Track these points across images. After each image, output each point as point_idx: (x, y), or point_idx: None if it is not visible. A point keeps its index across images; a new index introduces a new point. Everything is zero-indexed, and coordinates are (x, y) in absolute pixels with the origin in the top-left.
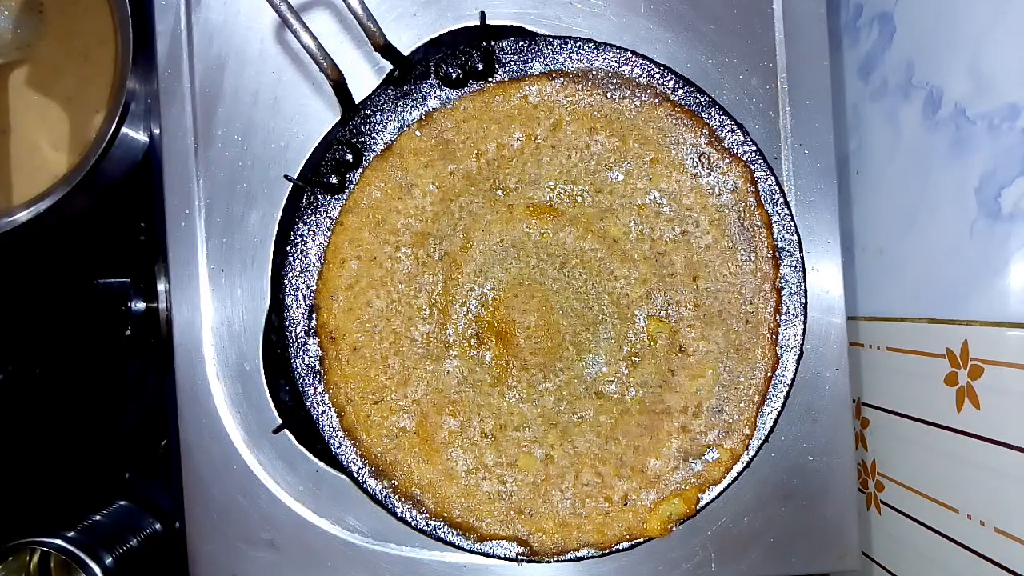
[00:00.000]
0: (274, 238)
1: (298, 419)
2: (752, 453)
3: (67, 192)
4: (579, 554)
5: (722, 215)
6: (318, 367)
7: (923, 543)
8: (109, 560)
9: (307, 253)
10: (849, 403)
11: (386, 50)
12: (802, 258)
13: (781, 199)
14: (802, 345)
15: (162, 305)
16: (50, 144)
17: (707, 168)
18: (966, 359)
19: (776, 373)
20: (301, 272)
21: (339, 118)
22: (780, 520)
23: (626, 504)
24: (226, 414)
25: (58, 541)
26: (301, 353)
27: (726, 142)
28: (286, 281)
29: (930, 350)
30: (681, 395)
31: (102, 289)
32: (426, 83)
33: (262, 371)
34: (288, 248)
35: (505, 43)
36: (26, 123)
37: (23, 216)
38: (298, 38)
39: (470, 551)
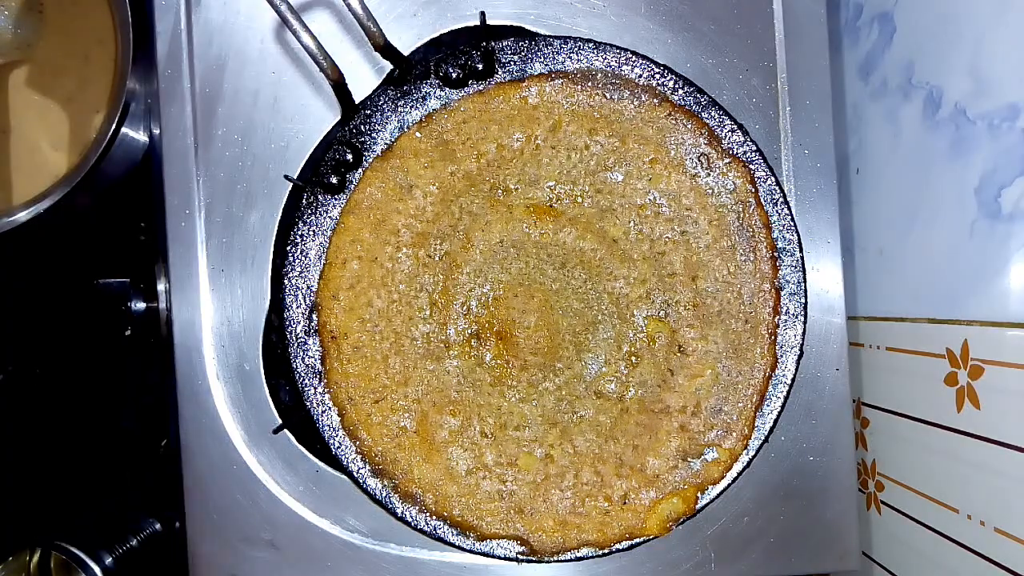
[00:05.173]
0: (274, 238)
1: (298, 419)
2: (752, 453)
3: (67, 192)
4: (579, 553)
5: (721, 215)
6: (319, 366)
7: (923, 543)
8: (109, 560)
9: (307, 253)
10: (849, 403)
11: (386, 50)
12: (802, 258)
13: (781, 199)
14: (802, 345)
15: (162, 305)
16: (50, 144)
17: (706, 168)
18: (966, 359)
19: (775, 373)
20: (301, 272)
21: (339, 118)
22: (780, 520)
23: (625, 503)
24: (226, 414)
25: (58, 541)
26: (301, 353)
27: (726, 142)
28: (286, 281)
29: (930, 350)
30: (680, 395)
31: (102, 289)
32: (426, 83)
33: (262, 371)
34: (288, 248)
35: (505, 43)
36: (26, 123)
37: (23, 216)
38: (298, 38)
39: (470, 551)
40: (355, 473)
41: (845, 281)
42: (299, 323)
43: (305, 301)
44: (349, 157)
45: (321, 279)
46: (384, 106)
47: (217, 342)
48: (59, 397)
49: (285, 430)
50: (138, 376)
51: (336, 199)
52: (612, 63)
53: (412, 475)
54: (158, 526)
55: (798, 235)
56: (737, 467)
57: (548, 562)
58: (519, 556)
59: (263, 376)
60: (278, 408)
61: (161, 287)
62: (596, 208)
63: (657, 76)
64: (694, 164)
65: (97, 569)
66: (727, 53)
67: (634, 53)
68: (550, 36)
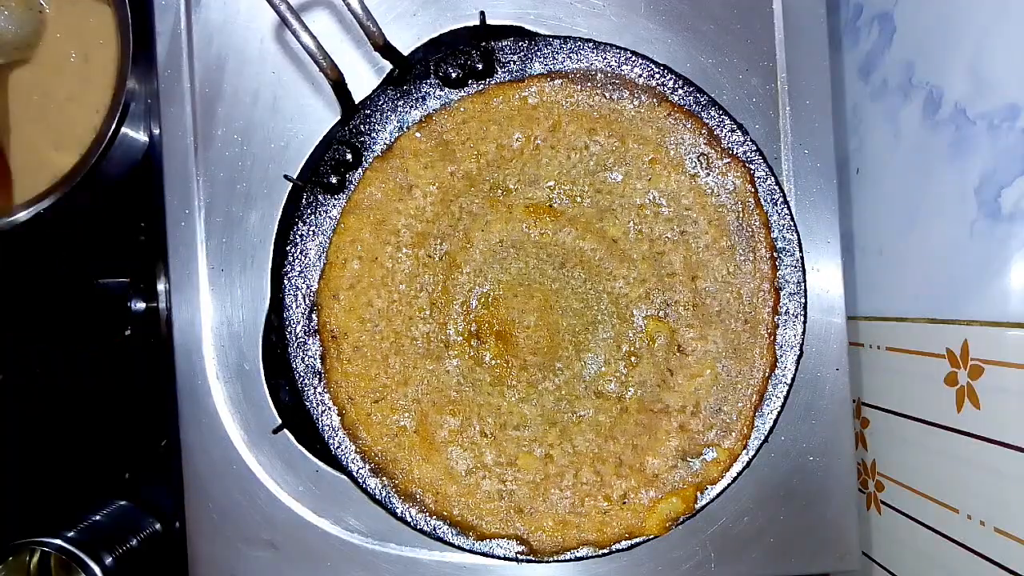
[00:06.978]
0: (274, 238)
1: (298, 419)
2: (752, 453)
3: (67, 192)
4: (578, 553)
5: (721, 215)
6: (318, 366)
7: (923, 543)
8: (109, 560)
9: (307, 253)
10: (849, 403)
11: (386, 50)
12: (802, 258)
13: (781, 199)
14: (802, 345)
15: (162, 305)
16: (50, 144)
17: (706, 168)
18: (966, 359)
19: (775, 373)
20: (301, 272)
21: (339, 118)
22: (780, 520)
23: (625, 503)
24: (226, 414)
25: (58, 541)
26: (301, 353)
27: (725, 142)
28: (286, 281)
29: (930, 350)
30: (679, 394)
31: (102, 289)
32: (426, 83)
33: (262, 371)
34: (288, 248)
35: (505, 43)
36: (26, 123)
37: (23, 216)
38: (297, 38)
39: (469, 550)
40: (355, 473)
41: (845, 281)
42: (299, 323)
43: (305, 301)
44: (349, 157)
45: (321, 279)
46: (384, 106)
47: (217, 342)
48: (59, 397)
49: (285, 430)
50: (138, 376)
51: (336, 199)
52: (612, 63)
53: (412, 475)
54: (158, 526)
55: (798, 235)
56: (736, 467)
57: (547, 562)
58: (519, 556)
59: (263, 376)
60: (278, 408)
61: (161, 287)
62: (596, 208)
63: (657, 76)
64: (693, 164)
65: (97, 569)
66: (727, 53)
67: (634, 53)
68: (550, 36)
